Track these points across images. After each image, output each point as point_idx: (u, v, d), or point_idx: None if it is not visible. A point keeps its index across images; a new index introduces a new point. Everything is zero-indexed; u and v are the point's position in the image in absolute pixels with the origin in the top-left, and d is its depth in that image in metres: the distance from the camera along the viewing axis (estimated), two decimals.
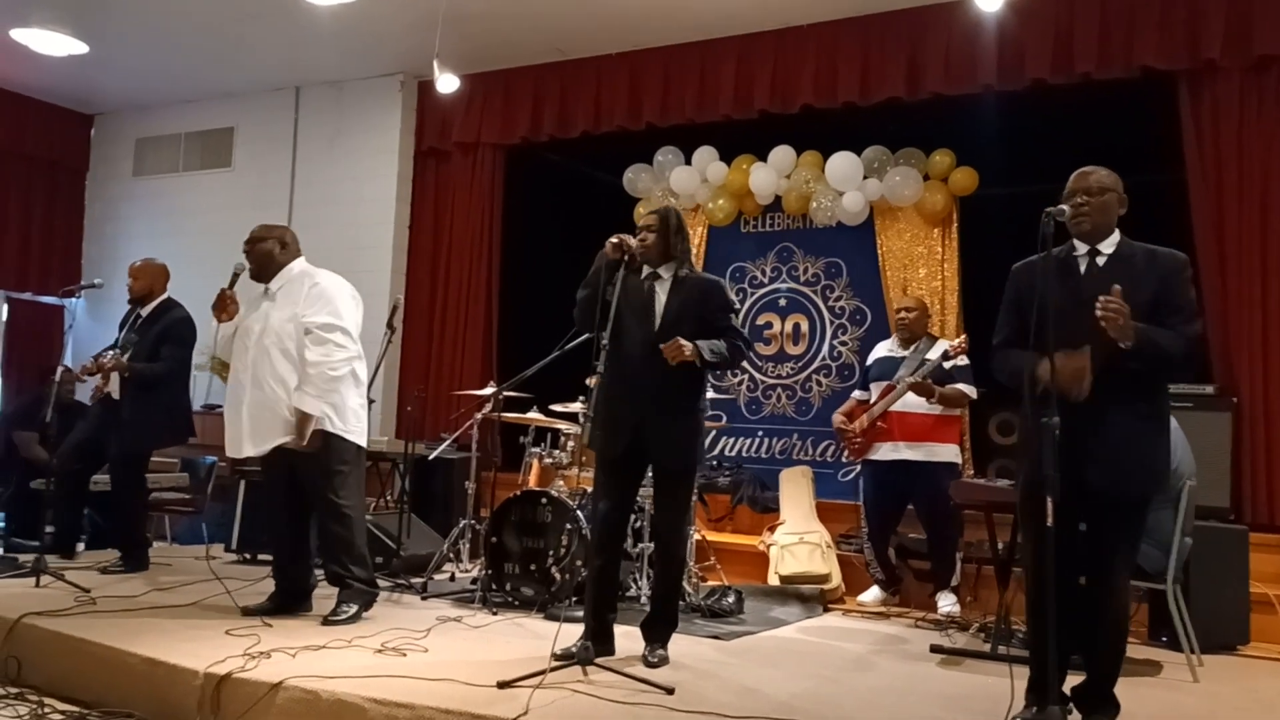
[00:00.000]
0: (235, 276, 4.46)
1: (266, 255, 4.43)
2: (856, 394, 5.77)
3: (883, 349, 5.71)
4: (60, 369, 5.23)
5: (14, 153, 9.16)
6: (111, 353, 5.31)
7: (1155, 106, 6.00)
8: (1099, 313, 2.94)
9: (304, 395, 4.23)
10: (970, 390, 5.30)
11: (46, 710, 3.44)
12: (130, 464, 5.32)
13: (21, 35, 7.32)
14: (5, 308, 9.30)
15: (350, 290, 4.48)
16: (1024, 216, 3.67)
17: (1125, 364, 3.00)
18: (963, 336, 5.24)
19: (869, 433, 5.45)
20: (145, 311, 5.41)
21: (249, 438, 4.29)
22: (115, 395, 5.25)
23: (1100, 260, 3.18)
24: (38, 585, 4.63)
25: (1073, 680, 3.18)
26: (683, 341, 3.70)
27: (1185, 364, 3.14)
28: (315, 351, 4.25)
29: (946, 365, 5.28)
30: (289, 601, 4.39)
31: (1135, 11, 5.89)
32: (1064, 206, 3.13)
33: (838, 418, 5.66)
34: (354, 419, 4.37)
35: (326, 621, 4.21)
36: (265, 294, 4.45)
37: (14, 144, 9.11)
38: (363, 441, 4.44)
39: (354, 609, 4.30)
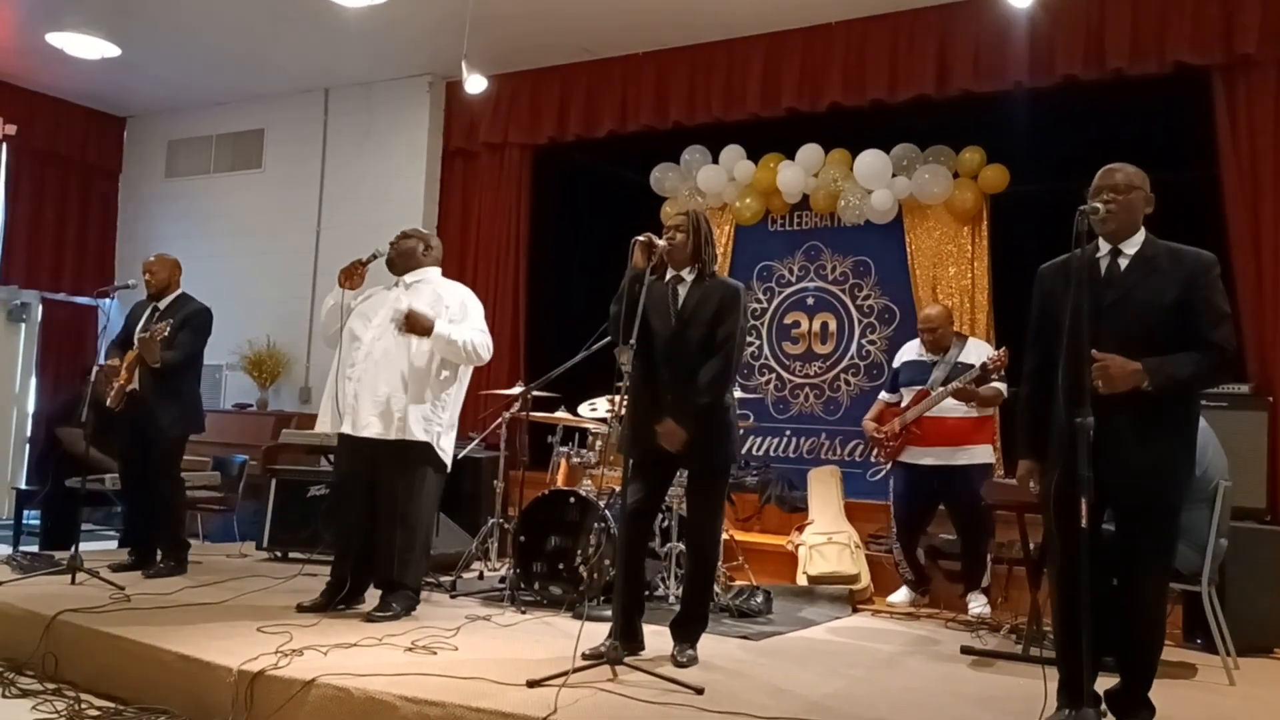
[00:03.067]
0: (374, 257, 4.65)
1: (410, 252, 4.67)
2: (884, 396, 5.72)
3: (911, 352, 5.62)
4: (96, 368, 5.27)
5: (48, 155, 9.27)
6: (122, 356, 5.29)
7: (1189, 102, 5.93)
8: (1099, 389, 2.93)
9: (449, 325, 4.43)
10: (1003, 386, 5.24)
11: (83, 706, 3.50)
12: (166, 454, 5.30)
13: (56, 39, 7.41)
14: (40, 308, 9.42)
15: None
16: (1055, 214, 3.64)
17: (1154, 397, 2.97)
18: (1003, 350, 5.12)
19: (901, 437, 5.40)
20: (162, 305, 5.39)
21: (349, 414, 4.41)
22: (139, 388, 5.25)
23: (1123, 261, 3.13)
24: (74, 582, 4.70)
25: (1105, 682, 3.15)
26: (672, 427, 3.73)
27: (1214, 377, 3.09)
28: (479, 336, 4.50)
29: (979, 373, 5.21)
30: (341, 597, 4.44)
31: (1168, 6, 5.81)
32: (1097, 205, 3.09)
33: (869, 425, 5.61)
34: (449, 440, 4.55)
35: (370, 618, 4.27)
36: (396, 284, 4.64)
37: (48, 146, 9.22)
38: (449, 462, 4.58)
39: (398, 609, 4.35)
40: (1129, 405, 2.97)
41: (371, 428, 4.37)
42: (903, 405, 5.47)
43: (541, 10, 6.86)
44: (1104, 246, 3.16)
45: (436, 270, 4.73)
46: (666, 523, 5.05)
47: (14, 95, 8.84)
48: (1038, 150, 6.46)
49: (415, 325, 4.37)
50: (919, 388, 5.41)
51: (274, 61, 8.15)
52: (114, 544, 6.60)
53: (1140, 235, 3.15)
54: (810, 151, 7.14)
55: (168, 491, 5.33)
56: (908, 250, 6.98)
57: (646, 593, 4.45)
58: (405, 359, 4.42)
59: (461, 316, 4.54)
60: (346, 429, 4.41)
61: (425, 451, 4.44)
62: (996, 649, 4.43)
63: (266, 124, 9.03)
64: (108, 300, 6.07)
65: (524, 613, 4.71)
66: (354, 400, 4.40)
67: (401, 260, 4.64)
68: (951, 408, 5.27)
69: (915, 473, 5.39)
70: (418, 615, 4.42)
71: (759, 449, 7.34)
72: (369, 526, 4.48)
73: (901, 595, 5.56)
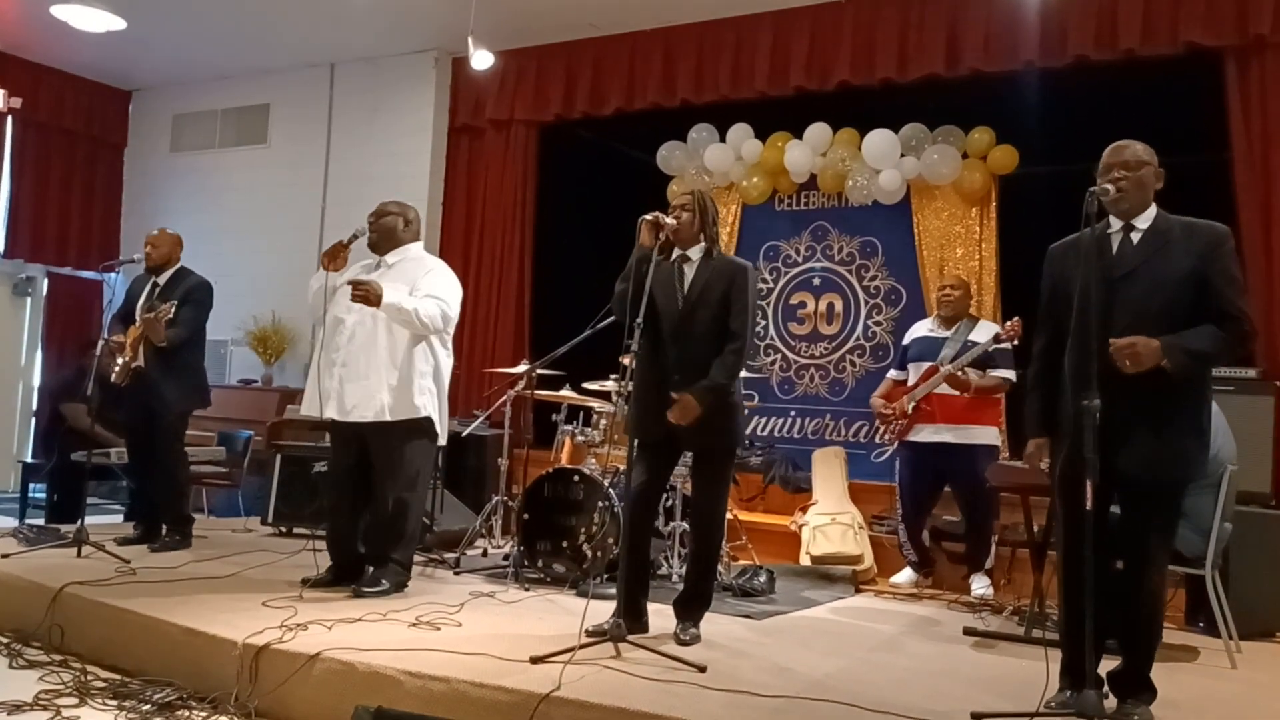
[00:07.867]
0: (354, 237, 4.54)
1: (390, 229, 4.57)
2: (892, 374, 5.71)
3: (922, 328, 5.62)
4: (101, 342, 5.27)
5: (54, 128, 9.25)
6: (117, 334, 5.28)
7: (1201, 84, 5.88)
8: (1119, 364, 2.91)
9: (397, 295, 4.27)
10: (1010, 374, 5.22)
11: (89, 678, 3.52)
12: (170, 429, 5.29)
13: (61, 11, 7.38)
14: (45, 282, 9.43)
15: (457, 280, 4.61)
16: (1065, 196, 3.61)
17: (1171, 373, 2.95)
18: (1016, 320, 5.10)
19: (910, 414, 5.39)
20: (162, 280, 5.38)
21: (335, 400, 4.38)
22: (144, 365, 5.24)
23: (1135, 236, 3.12)
24: (79, 555, 4.71)
25: (1107, 664, 3.15)
26: (691, 402, 3.68)
27: (1237, 349, 3.06)
28: (429, 304, 4.33)
29: (992, 349, 5.20)
30: (345, 576, 4.45)
31: None
32: (1107, 185, 3.07)
33: (877, 401, 5.60)
34: (437, 412, 4.51)
35: (358, 593, 4.27)
36: (379, 265, 4.56)
37: (54, 119, 9.20)
38: (443, 438, 4.55)
39: (387, 585, 4.35)
40: (1142, 388, 2.95)
41: (359, 411, 4.34)
42: (910, 383, 5.46)
43: None
44: (1116, 224, 3.15)
45: (419, 245, 4.67)
46: (671, 502, 5.05)
47: (19, 68, 8.82)
48: (1048, 131, 6.41)
49: (365, 297, 4.21)
50: (928, 364, 5.40)
51: (280, 36, 8.12)
52: (120, 518, 6.63)
53: (1152, 210, 3.14)
54: (818, 131, 7.10)
55: (172, 466, 5.34)
56: (915, 231, 6.95)
57: (650, 571, 4.46)
58: (387, 339, 4.37)
59: (427, 286, 4.43)
60: (331, 414, 4.39)
61: (415, 427, 4.43)
62: (999, 631, 4.44)
63: (272, 99, 9.00)
64: (113, 275, 6.05)
65: (528, 590, 4.72)
66: (339, 385, 4.37)
67: (384, 240, 4.57)
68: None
69: (922, 451, 5.39)
70: (410, 591, 4.42)
71: (764, 429, 7.34)
72: (359, 508, 4.49)
73: (904, 576, 5.57)
